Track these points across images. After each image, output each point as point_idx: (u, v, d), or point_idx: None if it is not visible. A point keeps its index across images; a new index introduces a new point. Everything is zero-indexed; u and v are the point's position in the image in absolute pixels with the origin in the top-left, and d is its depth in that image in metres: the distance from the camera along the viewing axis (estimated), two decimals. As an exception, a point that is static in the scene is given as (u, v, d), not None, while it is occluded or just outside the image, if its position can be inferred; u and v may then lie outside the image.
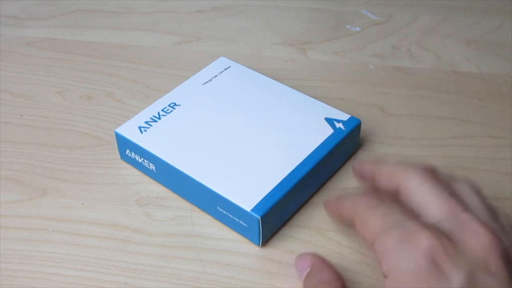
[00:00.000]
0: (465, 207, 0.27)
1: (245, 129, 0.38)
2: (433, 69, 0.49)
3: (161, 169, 0.37)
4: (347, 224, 0.31)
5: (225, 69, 0.44)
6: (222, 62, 0.45)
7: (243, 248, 0.35)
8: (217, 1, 0.57)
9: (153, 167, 0.38)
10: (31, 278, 0.33)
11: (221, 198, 0.34)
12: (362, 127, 0.42)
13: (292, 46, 0.52)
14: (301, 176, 0.35)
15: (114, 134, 0.39)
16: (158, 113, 0.40)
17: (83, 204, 0.38)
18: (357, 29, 0.54)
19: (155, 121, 0.39)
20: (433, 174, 0.29)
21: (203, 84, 0.42)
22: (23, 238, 0.35)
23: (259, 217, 0.33)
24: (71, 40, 0.52)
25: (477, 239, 0.25)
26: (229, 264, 0.34)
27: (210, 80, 0.42)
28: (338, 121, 0.39)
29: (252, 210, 0.33)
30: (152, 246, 0.35)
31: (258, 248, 0.35)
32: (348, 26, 0.54)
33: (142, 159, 0.38)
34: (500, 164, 0.41)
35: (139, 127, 0.38)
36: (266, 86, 0.42)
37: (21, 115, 0.44)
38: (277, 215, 0.35)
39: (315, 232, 0.36)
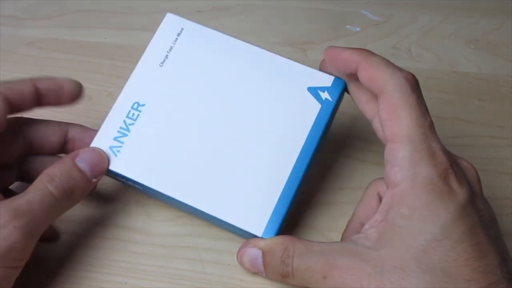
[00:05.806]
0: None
1: (226, 131, 0.34)
2: (433, 69, 0.49)
3: (151, 192, 0.34)
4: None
5: (178, 34, 0.36)
6: (170, 23, 0.36)
7: (243, 248, 0.35)
8: (217, 1, 0.57)
9: (140, 188, 0.35)
10: (31, 278, 0.33)
11: (226, 223, 0.33)
12: (362, 127, 0.42)
13: (292, 46, 0.52)
14: (300, 177, 0.33)
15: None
16: (125, 122, 0.34)
17: (83, 204, 0.38)
18: (357, 29, 0.54)
19: (125, 134, 0.34)
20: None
21: (160, 66, 0.35)
22: (23, 238, 0.35)
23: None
24: (71, 40, 0.52)
25: (469, 171, 0.30)
26: (229, 264, 0.34)
27: (166, 57, 0.35)
28: (323, 89, 0.34)
29: (264, 233, 0.32)
30: (152, 246, 0.35)
31: (258, 248, 0.35)
32: (348, 26, 0.54)
33: (127, 181, 0.35)
34: (500, 164, 0.41)
35: (111, 148, 0.33)
36: (234, 53, 0.36)
37: (21, 115, 0.44)
38: (285, 222, 0.33)
39: (315, 232, 0.36)
